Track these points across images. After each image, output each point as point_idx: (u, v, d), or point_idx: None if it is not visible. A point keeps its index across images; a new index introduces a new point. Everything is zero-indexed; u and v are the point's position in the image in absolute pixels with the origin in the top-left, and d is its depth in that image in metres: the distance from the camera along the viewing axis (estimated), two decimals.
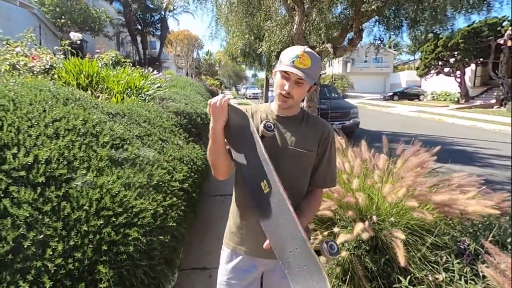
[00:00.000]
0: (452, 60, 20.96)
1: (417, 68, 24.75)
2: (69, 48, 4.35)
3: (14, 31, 5.42)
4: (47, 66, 3.63)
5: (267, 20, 5.52)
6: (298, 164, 1.13)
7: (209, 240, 2.70)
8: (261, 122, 1.17)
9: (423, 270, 1.65)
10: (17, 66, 3.49)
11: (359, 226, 1.60)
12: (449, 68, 22.12)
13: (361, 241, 1.81)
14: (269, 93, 16.96)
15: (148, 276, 1.42)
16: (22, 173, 1.32)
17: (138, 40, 20.09)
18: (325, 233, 1.83)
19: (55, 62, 3.80)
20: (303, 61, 1.04)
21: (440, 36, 17.91)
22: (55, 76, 3.56)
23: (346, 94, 10.45)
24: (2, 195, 1.21)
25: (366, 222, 1.65)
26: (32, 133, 1.57)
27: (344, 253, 1.70)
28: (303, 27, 4.65)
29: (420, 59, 23.66)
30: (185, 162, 2.52)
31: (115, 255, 1.31)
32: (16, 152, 1.39)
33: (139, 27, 20.39)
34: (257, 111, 1.23)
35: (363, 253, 1.84)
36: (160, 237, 1.58)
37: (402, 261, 1.47)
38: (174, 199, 1.93)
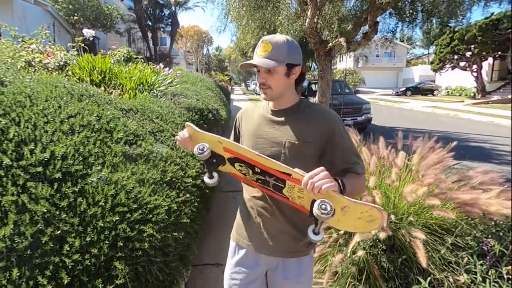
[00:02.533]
0: (468, 53, 20.31)
1: (431, 63, 24.09)
2: (82, 44, 4.39)
3: (30, 28, 5.53)
4: (61, 63, 3.68)
5: (278, 15, 5.44)
6: (298, 157, 1.07)
7: (222, 236, 2.70)
8: (258, 120, 1.18)
9: (444, 271, 1.59)
10: (33, 63, 3.55)
11: None
12: (465, 62, 21.45)
13: (377, 240, 1.77)
14: None
15: (163, 273, 1.41)
16: (39, 169, 1.33)
17: (149, 36, 20.23)
18: (341, 231, 1.79)
19: (68, 58, 3.85)
20: (264, 48, 1.03)
21: (456, 29, 17.36)
22: (69, 72, 3.60)
23: (358, 89, 10.24)
24: (20, 191, 1.22)
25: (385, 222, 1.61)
26: (48, 129, 1.58)
27: (360, 252, 1.66)
28: (316, 21, 4.56)
29: (435, 53, 23.00)
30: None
31: (130, 251, 1.31)
32: (33, 148, 1.40)
33: (150, 23, 20.51)
34: (255, 110, 1.22)
35: (379, 252, 1.80)
36: (174, 234, 1.58)
37: (423, 262, 1.43)
38: (188, 195, 1.93)
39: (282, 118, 1.12)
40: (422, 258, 1.44)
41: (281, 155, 1.09)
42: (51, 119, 1.67)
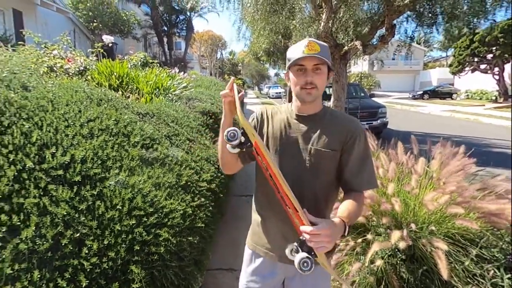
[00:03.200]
0: (489, 56, 19.60)
1: (450, 65, 23.37)
2: (102, 50, 4.52)
3: (51, 34, 5.74)
4: (81, 68, 3.79)
5: (292, 19, 5.43)
6: (322, 164, 1.06)
7: (235, 241, 2.69)
8: (281, 124, 1.13)
9: (468, 284, 1.52)
10: (54, 68, 3.67)
11: (396, 235, 1.50)
12: (486, 65, 20.71)
13: (396, 250, 1.71)
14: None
15: (178, 278, 1.41)
16: (60, 172, 1.36)
17: (164, 41, 20.65)
18: (359, 240, 1.74)
19: (88, 64, 3.96)
20: (312, 48, 1.00)
21: (477, 30, 16.79)
22: (89, 77, 3.71)
23: (373, 93, 10.06)
24: (42, 193, 1.25)
25: (404, 231, 1.55)
26: (69, 133, 1.62)
27: (378, 262, 1.61)
28: (331, 25, 4.52)
29: (454, 55, 22.33)
30: (211, 162, 2.52)
31: (146, 255, 1.32)
32: (55, 151, 1.44)
33: (165, 28, 20.95)
34: (277, 113, 1.18)
35: (398, 262, 1.74)
36: (189, 238, 1.58)
37: (444, 274, 1.36)
38: (202, 199, 1.93)
39: (308, 125, 1.10)
40: (444, 270, 1.38)
41: (306, 162, 1.07)
42: (72, 123, 1.72)
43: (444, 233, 1.75)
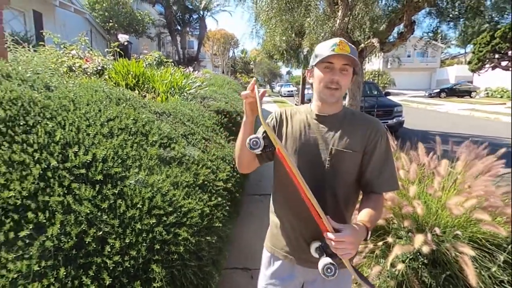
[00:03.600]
0: (511, 52, 18.87)
1: (469, 62, 22.61)
2: (118, 49, 4.59)
3: (69, 35, 5.89)
4: (99, 68, 3.86)
5: (307, 16, 5.36)
6: (342, 165, 1.04)
7: (250, 240, 2.68)
8: (301, 124, 1.11)
9: None
10: (73, 68, 3.76)
11: (419, 239, 1.46)
12: (507, 62, 19.93)
13: (418, 253, 1.66)
14: (306, 91, 16.60)
15: (197, 277, 1.42)
16: (83, 170, 1.38)
17: (178, 40, 20.85)
18: (379, 243, 1.70)
19: (105, 63, 4.03)
20: (343, 48, 0.97)
21: (498, 26, 16.17)
22: (106, 76, 3.78)
23: (388, 91, 9.84)
24: (66, 192, 1.28)
25: (428, 235, 1.50)
26: (90, 132, 1.65)
27: (399, 266, 1.56)
28: (347, 22, 4.43)
29: (473, 52, 21.60)
30: (227, 161, 2.52)
31: (166, 255, 1.33)
32: (77, 150, 1.47)
33: (179, 27, 21.13)
34: (297, 113, 1.16)
35: (419, 266, 1.69)
36: (207, 238, 1.58)
37: (473, 280, 1.31)
38: (219, 199, 1.93)
39: (329, 125, 1.08)
40: (472, 276, 1.33)
41: (326, 163, 1.04)
42: (93, 123, 1.75)
43: (469, 237, 1.69)
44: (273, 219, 1.23)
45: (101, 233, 1.21)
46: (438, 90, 26.00)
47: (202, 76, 7.08)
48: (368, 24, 4.80)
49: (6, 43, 3.65)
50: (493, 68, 20.84)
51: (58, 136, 1.47)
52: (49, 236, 1.10)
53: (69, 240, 1.12)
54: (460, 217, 1.76)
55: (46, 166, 1.32)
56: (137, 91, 3.50)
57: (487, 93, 24.54)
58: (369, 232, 0.95)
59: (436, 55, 35.24)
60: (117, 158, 1.58)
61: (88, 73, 3.81)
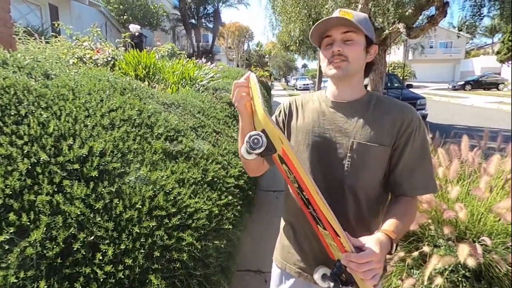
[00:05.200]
0: None
1: (497, 53, 21.35)
2: (129, 40, 4.48)
3: (84, 28, 5.84)
4: (109, 58, 3.76)
5: (325, 3, 5.05)
6: (366, 162, 0.83)
7: (264, 240, 2.51)
8: (314, 114, 0.92)
9: None
10: (84, 59, 3.68)
11: (464, 250, 1.23)
12: None
13: (458, 265, 1.43)
14: (322, 84, 16.16)
15: (203, 287, 1.25)
16: (76, 166, 1.23)
17: (192, 34, 20.77)
18: (415, 253, 1.47)
19: (116, 54, 3.93)
20: (343, 15, 0.81)
21: None
22: (116, 67, 3.67)
23: (411, 83, 9.30)
24: (55, 190, 1.13)
25: (477, 246, 1.26)
26: (88, 123, 1.50)
27: (438, 280, 1.34)
28: (370, 6, 4.11)
29: (502, 41, 20.34)
30: (239, 156, 2.33)
31: (167, 263, 1.16)
32: (72, 143, 1.32)
33: (193, 20, 21.03)
34: (309, 101, 0.96)
35: (460, 279, 1.45)
36: (215, 242, 1.41)
37: None
38: (230, 197, 1.75)
39: (349, 113, 0.87)
40: None
41: (346, 159, 0.84)
42: (92, 113, 1.60)
43: None
44: (284, 227, 1.03)
45: (92, 237, 1.06)
46: (463, 82, 24.73)
47: (216, 68, 6.91)
48: (393, 9, 4.44)
49: (18, 35, 3.61)
50: None
51: (51, 128, 1.33)
52: (32, 242, 0.95)
53: (55, 246, 0.97)
54: (509, 224, 1.50)
55: (35, 161, 1.18)
56: (147, 82, 3.37)
57: None
58: (394, 245, 0.74)
59: (460, 45, 33.55)
60: (117, 152, 1.43)
61: (99, 64, 3.72)
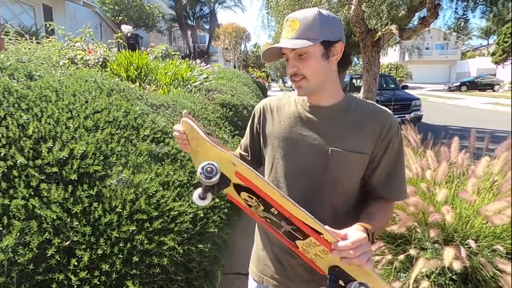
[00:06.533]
0: None
1: (493, 54, 21.50)
2: (121, 41, 4.44)
3: (79, 28, 5.80)
4: (101, 59, 3.72)
5: (319, 4, 5.05)
6: (345, 170, 0.80)
7: (254, 243, 2.49)
8: (291, 119, 0.87)
9: None
10: (75, 60, 3.63)
11: (449, 253, 1.22)
12: None
13: (446, 268, 1.41)
14: None
15: None
16: (55, 169, 1.21)
17: (188, 34, 20.73)
18: (401, 256, 1.45)
19: (108, 55, 3.89)
20: (290, 28, 0.77)
21: None
22: (108, 68, 3.63)
23: (406, 84, 9.32)
24: (32, 193, 1.10)
25: (462, 250, 1.25)
26: (70, 125, 1.47)
27: (425, 284, 1.32)
28: (363, 8, 4.11)
29: (497, 43, 20.50)
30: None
31: (147, 268, 1.14)
32: (52, 145, 1.29)
33: (189, 21, 21.00)
34: (285, 105, 0.91)
35: (447, 282, 1.44)
36: (199, 246, 1.39)
37: None
38: (217, 200, 1.73)
39: (327, 119, 0.83)
40: None
41: (325, 167, 0.81)
42: (76, 115, 1.57)
43: (507, 251, 1.43)
44: (260, 237, 0.99)
45: (68, 243, 1.03)
46: (459, 83, 24.89)
47: (211, 69, 6.89)
48: (386, 11, 4.44)
49: (8, 35, 3.56)
50: None
51: (31, 130, 1.30)
52: (4, 248, 0.93)
53: (28, 252, 0.95)
54: (497, 227, 1.49)
55: (12, 164, 1.15)
56: (138, 83, 3.34)
57: None
58: (372, 237, 0.71)
59: (457, 46, 33.74)
60: (99, 155, 1.40)
61: (90, 65, 3.68)
